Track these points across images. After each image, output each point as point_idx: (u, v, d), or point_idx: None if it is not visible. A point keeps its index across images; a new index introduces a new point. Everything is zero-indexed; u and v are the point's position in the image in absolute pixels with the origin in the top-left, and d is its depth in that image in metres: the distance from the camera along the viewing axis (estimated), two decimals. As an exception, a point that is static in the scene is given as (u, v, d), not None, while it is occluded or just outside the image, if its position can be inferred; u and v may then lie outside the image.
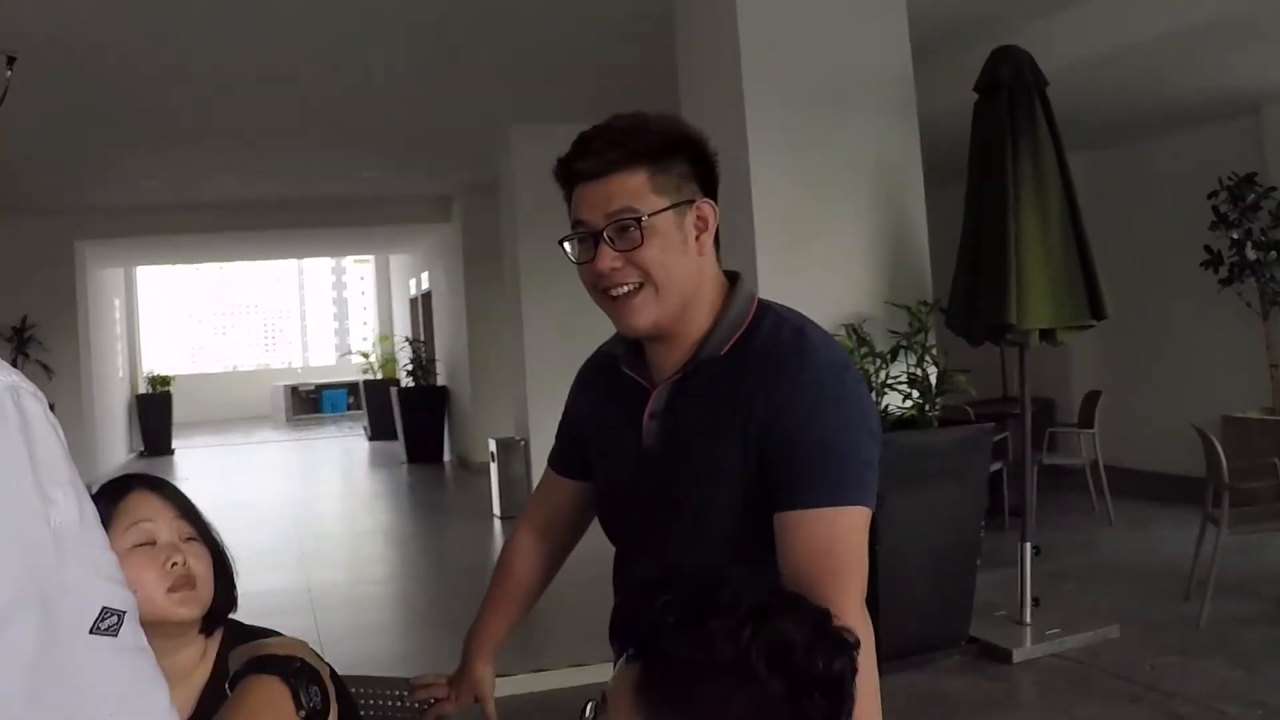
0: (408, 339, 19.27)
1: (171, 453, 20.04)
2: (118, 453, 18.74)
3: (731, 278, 2.02)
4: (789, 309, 2.02)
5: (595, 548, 2.34)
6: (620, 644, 1.48)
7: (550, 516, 2.37)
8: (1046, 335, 6.11)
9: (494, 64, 8.31)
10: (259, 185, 13.71)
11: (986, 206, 6.02)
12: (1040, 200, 5.92)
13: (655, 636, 1.40)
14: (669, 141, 1.92)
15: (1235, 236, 9.14)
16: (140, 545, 2.00)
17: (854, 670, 1.45)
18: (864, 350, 5.98)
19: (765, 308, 1.99)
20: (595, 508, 2.24)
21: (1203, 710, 5.13)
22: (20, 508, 0.89)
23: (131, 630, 0.94)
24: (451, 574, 8.81)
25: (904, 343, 6.12)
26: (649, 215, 1.86)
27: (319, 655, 1.72)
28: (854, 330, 5.99)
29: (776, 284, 5.92)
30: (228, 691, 1.68)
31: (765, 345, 1.91)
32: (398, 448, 17.64)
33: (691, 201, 1.92)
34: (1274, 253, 8.99)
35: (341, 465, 19.05)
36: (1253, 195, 9.07)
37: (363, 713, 2.50)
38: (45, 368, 14.26)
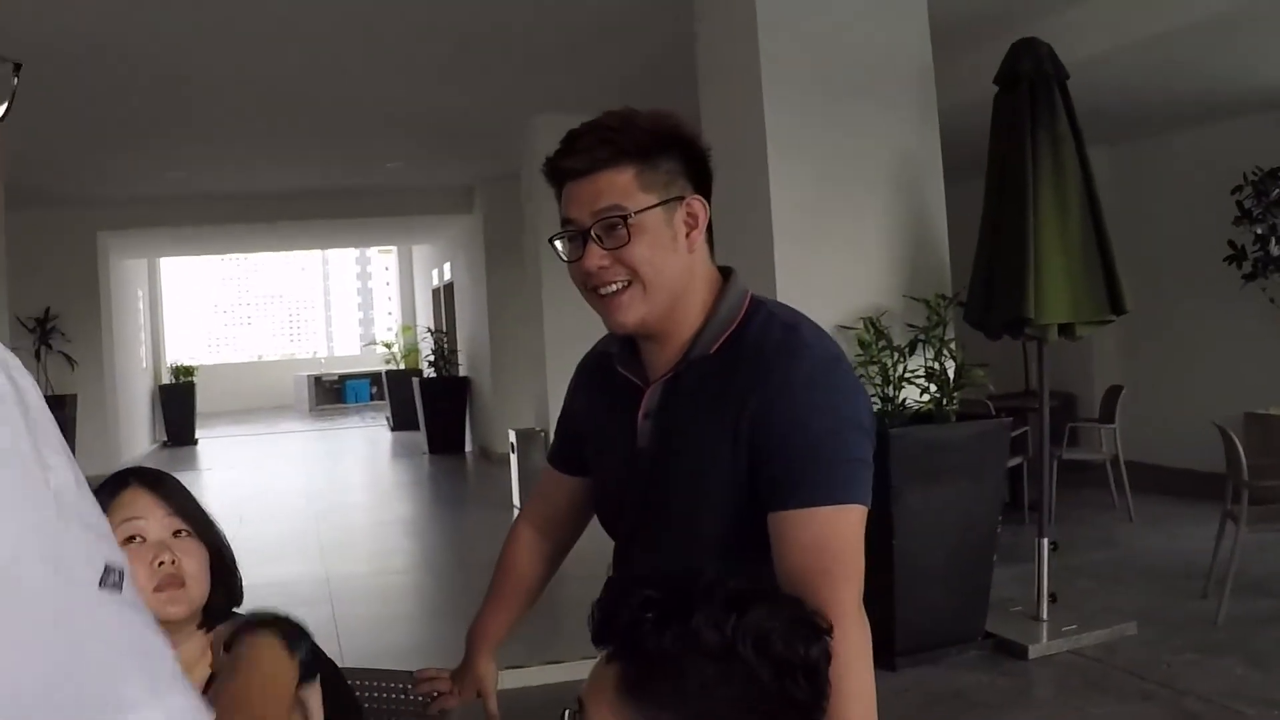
0: (429, 329, 19.30)
1: (195, 443, 20.13)
2: (141, 443, 18.84)
3: (725, 274, 2.01)
4: (783, 305, 2.00)
5: (607, 540, 2.33)
6: (598, 645, 1.48)
7: (550, 513, 2.36)
8: (1065, 330, 6.07)
9: (514, 54, 8.32)
10: (282, 176, 13.75)
11: (1005, 200, 5.99)
12: (1060, 194, 5.88)
13: (636, 634, 1.40)
14: (657, 138, 1.89)
15: (1259, 232, 9.08)
16: (129, 541, 1.99)
17: (829, 657, 1.46)
18: (881, 344, 5.95)
19: (758, 304, 1.97)
20: (594, 505, 2.24)
21: (1218, 710, 5.10)
22: (23, 471, 0.89)
23: (130, 588, 0.94)
24: (470, 566, 8.74)
25: (922, 336, 6.09)
26: (636, 213, 1.84)
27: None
28: (871, 323, 5.97)
29: (794, 276, 5.91)
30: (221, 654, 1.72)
31: (756, 342, 1.89)
32: (420, 438, 17.68)
33: (681, 198, 1.90)
34: (1298, 248, 8.94)
35: (363, 456, 19.11)
36: (1277, 190, 9.00)
37: (366, 705, 2.51)
38: (68, 359, 14.34)
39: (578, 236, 1.89)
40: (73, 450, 0.96)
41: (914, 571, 5.77)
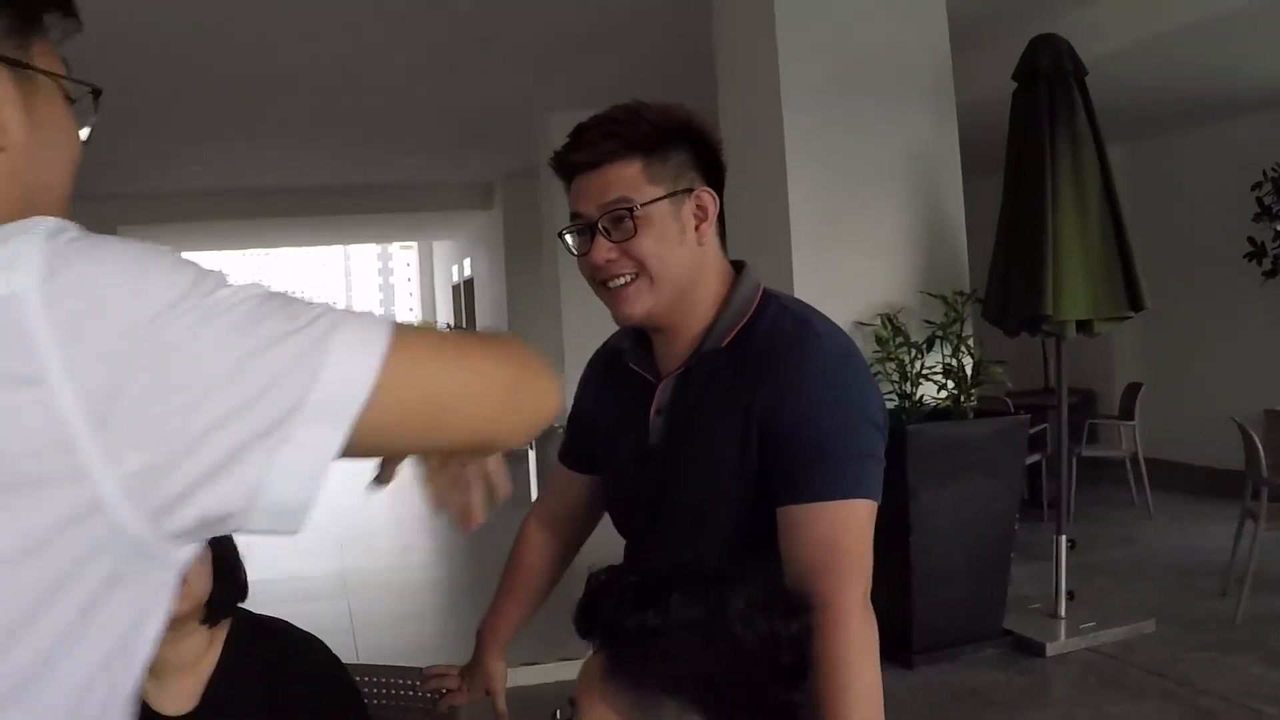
0: (449, 324, 19.30)
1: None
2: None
3: (738, 267, 1.99)
4: (795, 299, 1.98)
5: (620, 538, 2.33)
6: (584, 638, 1.49)
7: (560, 511, 2.35)
8: (1084, 326, 6.05)
9: (533, 50, 8.32)
10: (303, 172, 13.77)
11: (1024, 196, 5.97)
12: (1078, 190, 5.86)
13: (618, 617, 1.41)
14: (665, 131, 1.88)
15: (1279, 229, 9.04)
16: None
17: (809, 630, 1.47)
18: (899, 340, 5.94)
19: (770, 298, 1.96)
20: (604, 502, 2.23)
21: (1236, 708, 5.08)
22: None
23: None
24: (487, 562, 8.65)
25: (940, 333, 6.08)
26: (642, 205, 1.83)
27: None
28: (889, 320, 5.96)
29: (812, 273, 5.91)
30: None
31: (767, 336, 1.88)
32: (440, 434, 17.56)
33: (690, 190, 1.89)
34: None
35: (383, 451, 19.04)
36: (1298, 187, 8.96)
37: (375, 701, 2.52)
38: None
39: (586, 230, 1.89)
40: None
41: (931, 569, 5.76)
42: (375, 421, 0.94)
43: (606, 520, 2.24)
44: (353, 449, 0.95)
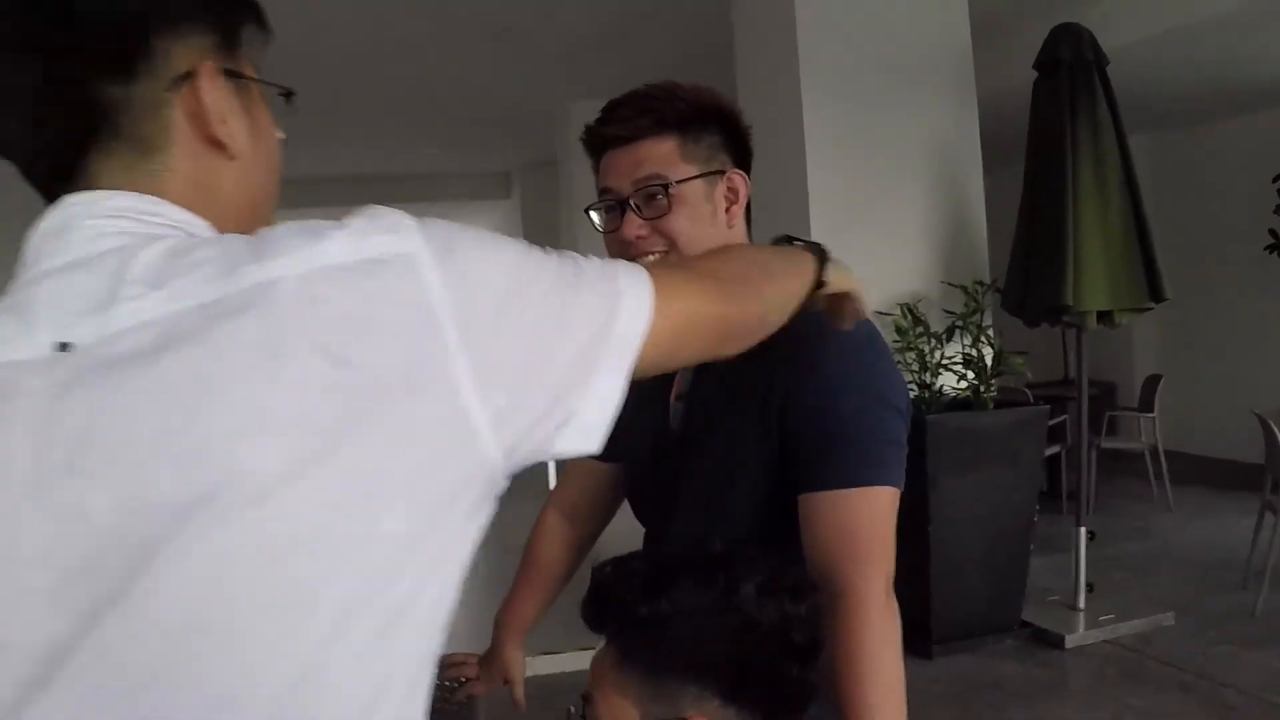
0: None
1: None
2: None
3: None
4: None
5: (640, 526, 2.31)
6: (594, 630, 1.48)
7: (578, 499, 2.33)
8: (1104, 317, 6.02)
9: (551, 41, 8.31)
10: (320, 161, 13.77)
11: (1044, 186, 5.95)
12: (1099, 181, 5.83)
13: (628, 607, 1.40)
14: (700, 110, 1.85)
15: (1302, 221, 9.00)
16: None
17: (818, 608, 1.46)
18: (919, 330, 5.93)
19: None
20: (623, 490, 2.21)
21: (1255, 701, 5.06)
22: None
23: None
24: (506, 552, 8.72)
25: (960, 323, 6.06)
26: (677, 183, 1.80)
27: None
28: (909, 310, 5.95)
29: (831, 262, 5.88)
30: None
31: (789, 320, 1.85)
32: (456, 424, 17.59)
33: (722, 172, 1.86)
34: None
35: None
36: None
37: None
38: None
39: (615, 206, 1.85)
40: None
41: (950, 560, 5.76)
42: (649, 346, 1.13)
43: (625, 510, 2.22)
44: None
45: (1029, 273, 6.00)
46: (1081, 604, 6.16)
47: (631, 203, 1.82)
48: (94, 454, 0.88)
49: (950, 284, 6.17)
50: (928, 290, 6.17)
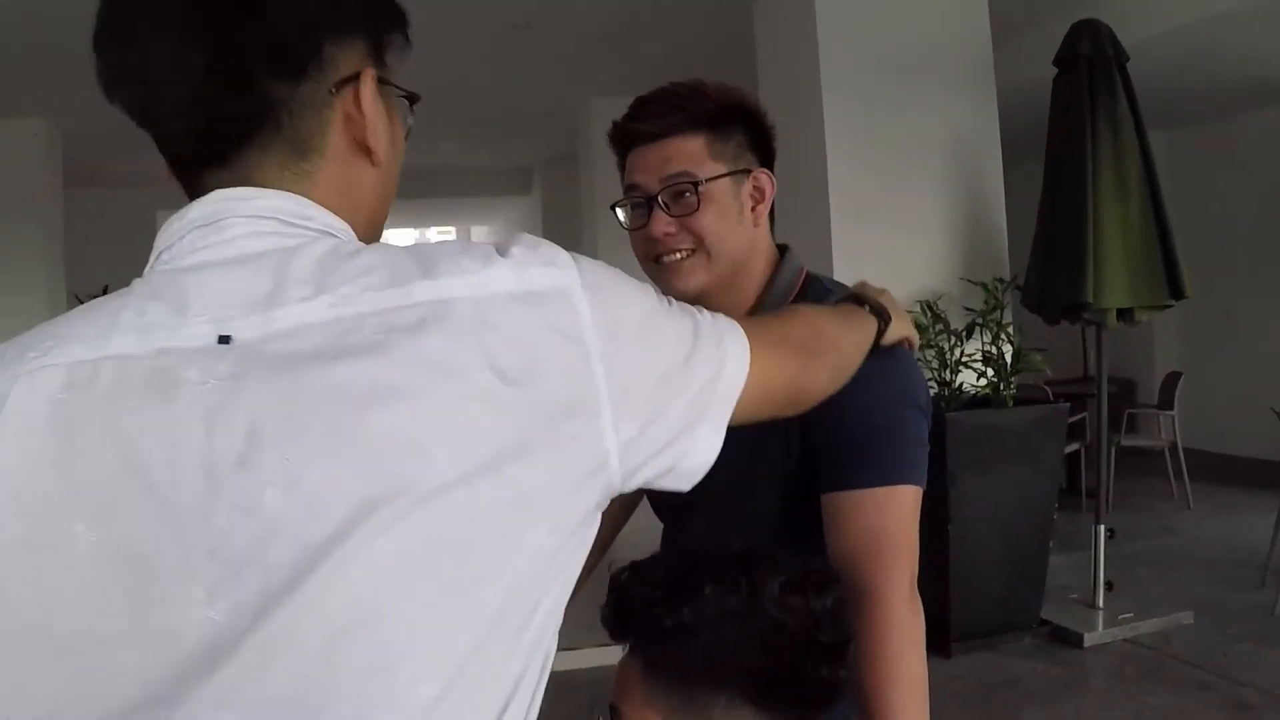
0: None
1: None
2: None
3: (781, 250, 1.96)
4: (837, 282, 1.94)
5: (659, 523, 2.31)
6: (617, 639, 1.47)
7: None
8: (1124, 314, 6.00)
9: (571, 37, 8.31)
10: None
11: (1064, 183, 5.93)
12: (1119, 176, 5.82)
13: (651, 616, 1.39)
14: (728, 109, 1.84)
15: (1325, 218, 8.96)
16: None
17: (843, 602, 1.45)
18: (939, 327, 5.92)
19: (812, 280, 1.92)
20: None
21: (1275, 700, 5.04)
22: None
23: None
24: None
25: (979, 320, 6.05)
26: (706, 180, 1.79)
27: None
28: (929, 307, 5.94)
29: (852, 259, 5.89)
30: None
31: None
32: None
33: (749, 171, 1.86)
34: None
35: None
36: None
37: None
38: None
39: (643, 203, 1.84)
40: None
41: (970, 557, 5.75)
42: (738, 402, 1.20)
43: (644, 507, 2.21)
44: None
45: (1049, 270, 5.98)
46: (1100, 602, 6.15)
47: (660, 200, 1.81)
48: (265, 450, 0.90)
49: (970, 281, 6.16)
50: (947, 287, 6.16)
